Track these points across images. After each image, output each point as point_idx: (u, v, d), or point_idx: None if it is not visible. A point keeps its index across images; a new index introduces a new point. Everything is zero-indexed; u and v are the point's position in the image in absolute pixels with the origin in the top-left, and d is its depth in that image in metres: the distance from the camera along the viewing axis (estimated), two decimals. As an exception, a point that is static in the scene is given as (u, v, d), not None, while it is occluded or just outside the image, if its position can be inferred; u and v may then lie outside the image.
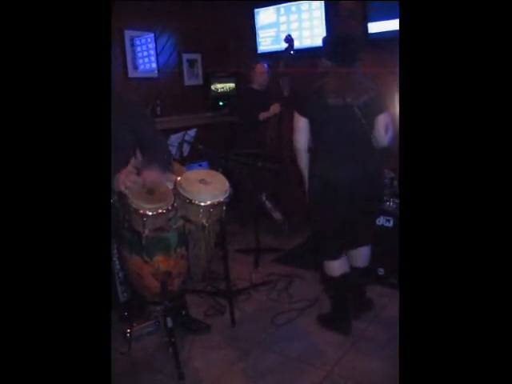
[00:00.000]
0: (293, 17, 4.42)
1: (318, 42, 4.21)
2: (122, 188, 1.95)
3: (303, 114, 2.30)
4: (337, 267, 2.44)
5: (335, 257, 2.43)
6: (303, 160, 2.39)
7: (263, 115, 3.91)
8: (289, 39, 3.78)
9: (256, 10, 4.62)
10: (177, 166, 2.41)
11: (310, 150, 2.37)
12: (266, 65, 4.12)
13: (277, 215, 3.91)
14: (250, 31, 4.68)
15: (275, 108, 3.86)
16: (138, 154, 2.22)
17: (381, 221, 2.97)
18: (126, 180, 1.97)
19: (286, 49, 3.79)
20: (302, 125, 2.32)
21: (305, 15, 4.33)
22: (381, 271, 2.97)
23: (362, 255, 2.57)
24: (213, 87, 4.89)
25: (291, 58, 3.81)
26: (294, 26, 4.42)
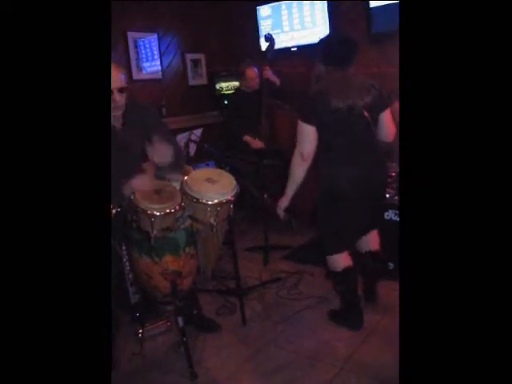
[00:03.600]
0: (294, 13, 4.40)
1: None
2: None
3: (311, 123, 2.21)
4: (340, 261, 2.44)
5: (338, 252, 2.43)
6: (304, 170, 2.30)
7: (247, 139, 3.85)
8: (269, 38, 3.64)
9: (258, 8, 4.62)
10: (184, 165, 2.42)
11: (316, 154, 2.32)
12: (255, 68, 3.97)
13: (283, 215, 3.88)
14: (252, 29, 4.68)
15: (257, 144, 3.77)
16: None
17: (389, 215, 2.96)
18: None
19: (268, 48, 3.65)
20: (310, 134, 2.22)
21: (306, 11, 4.31)
22: (391, 265, 2.96)
23: (369, 238, 2.57)
24: (217, 86, 4.88)
25: (275, 56, 3.72)
26: (296, 21, 4.41)
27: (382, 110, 2.30)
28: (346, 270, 2.43)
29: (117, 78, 1.96)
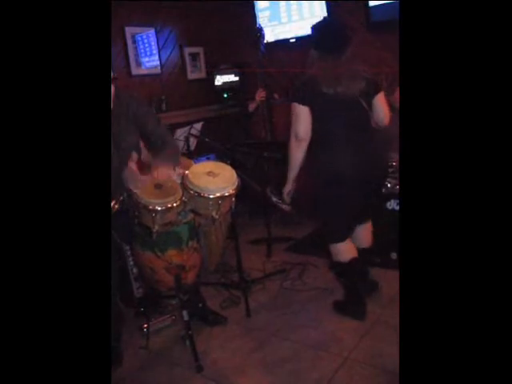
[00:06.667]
0: (293, 4, 4.38)
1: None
2: (132, 187, 1.97)
3: (303, 103, 2.22)
4: (345, 251, 2.44)
5: (342, 239, 2.43)
6: (302, 151, 2.30)
7: (252, 106, 3.85)
8: (258, 29, 3.72)
9: (255, 1, 4.60)
10: (184, 159, 2.41)
11: (311, 140, 2.32)
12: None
13: (285, 207, 3.89)
14: (250, 21, 4.65)
15: (260, 94, 3.75)
16: (142, 149, 2.21)
17: (392, 204, 2.95)
18: (133, 179, 1.98)
19: (258, 40, 3.72)
20: (303, 114, 2.24)
21: (305, 2, 4.29)
22: (394, 255, 2.96)
23: (364, 235, 2.57)
24: (216, 80, 4.87)
25: (266, 48, 3.80)
26: (294, 12, 4.39)
27: (375, 94, 2.30)
28: (352, 261, 2.43)
29: None
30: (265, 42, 3.76)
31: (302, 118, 2.25)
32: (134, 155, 2.07)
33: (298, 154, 2.32)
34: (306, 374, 2.10)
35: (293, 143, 2.31)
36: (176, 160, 2.14)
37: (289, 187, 2.46)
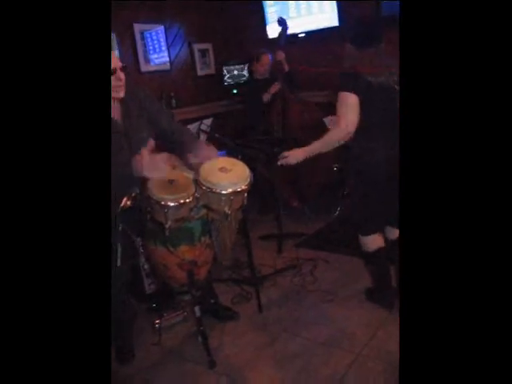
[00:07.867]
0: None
1: (328, 24, 4.20)
2: (146, 173, 1.93)
3: (353, 91, 2.18)
4: (371, 242, 2.47)
5: (368, 233, 2.47)
6: (341, 142, 2.27)
7: (266, 96, 3.97)
8: (282, 21, 3.78)
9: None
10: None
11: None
12: (270, 55, 4.06)
13: (294, 202, 3.93)
14: (259, 16, 4.64)
15: (274, 87, 3.91)
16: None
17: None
18: (149, 164, 1.90)
19: (280, 33, 3.82)
20: (355, 104, 2.19)
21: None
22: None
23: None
24: (225, 75, 4.87)
25: (287, 41, 3.89)
26: (303, 7, 4.37)
27: None
28: (377, 251, 2.47)
29: (114, 58, 1.97)
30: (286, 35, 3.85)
31: (355, 109, 2.20)
32: (151, 142, 2.04)
33: (336, 143, 2.29)
34: (317, 370, 2.10)
35: (337, 133, 2.26)
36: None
37: (304, 155, 2.35)
